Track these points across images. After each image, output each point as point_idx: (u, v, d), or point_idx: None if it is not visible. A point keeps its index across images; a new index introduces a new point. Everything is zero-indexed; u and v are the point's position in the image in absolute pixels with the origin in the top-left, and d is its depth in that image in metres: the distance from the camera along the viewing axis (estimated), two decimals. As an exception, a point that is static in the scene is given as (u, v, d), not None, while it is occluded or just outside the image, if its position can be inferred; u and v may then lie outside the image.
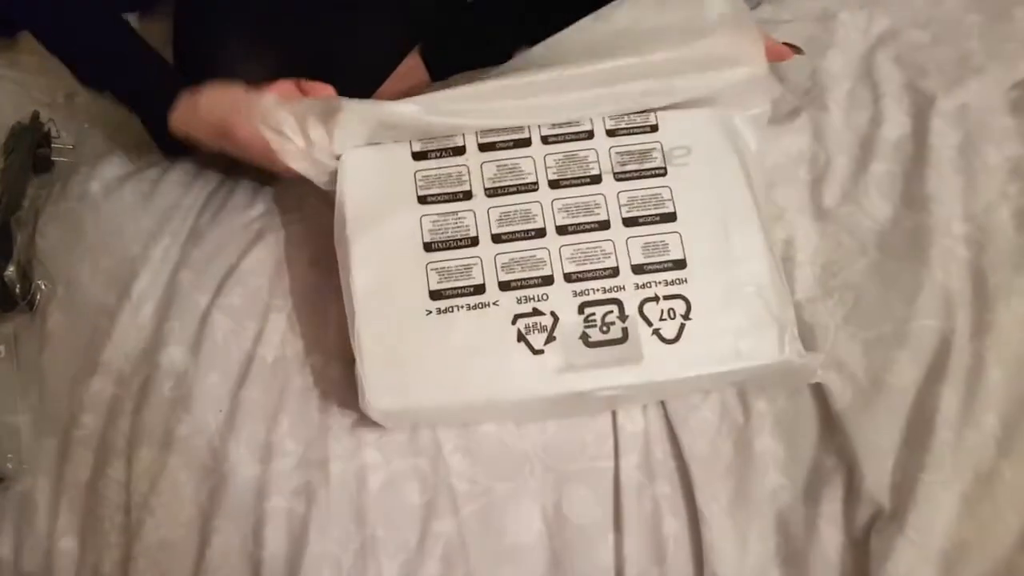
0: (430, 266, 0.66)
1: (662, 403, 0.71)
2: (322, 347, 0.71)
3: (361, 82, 0.74)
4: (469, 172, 0.68)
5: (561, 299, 0.65)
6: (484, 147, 0.69)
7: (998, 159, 0.77)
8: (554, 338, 0.64)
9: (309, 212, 0.78)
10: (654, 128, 0.70)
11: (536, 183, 0.68)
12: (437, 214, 0.67)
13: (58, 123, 0.81)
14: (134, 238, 0.76)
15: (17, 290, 0.73)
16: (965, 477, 0.64)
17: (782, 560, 0.66)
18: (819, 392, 0.69)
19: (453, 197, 0.68)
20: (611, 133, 0.70)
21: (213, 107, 0.70)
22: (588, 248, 0.67)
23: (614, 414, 0.70)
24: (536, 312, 0.64)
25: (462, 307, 0.65)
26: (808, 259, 0.75)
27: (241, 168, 0.79)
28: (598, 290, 0.65)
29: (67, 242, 0.76)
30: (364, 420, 0.68)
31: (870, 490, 0.65)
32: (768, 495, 0.67)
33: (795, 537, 0.66)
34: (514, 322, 0.64)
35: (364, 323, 0.65)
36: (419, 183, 0.68)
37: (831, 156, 0.79)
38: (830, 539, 0.65)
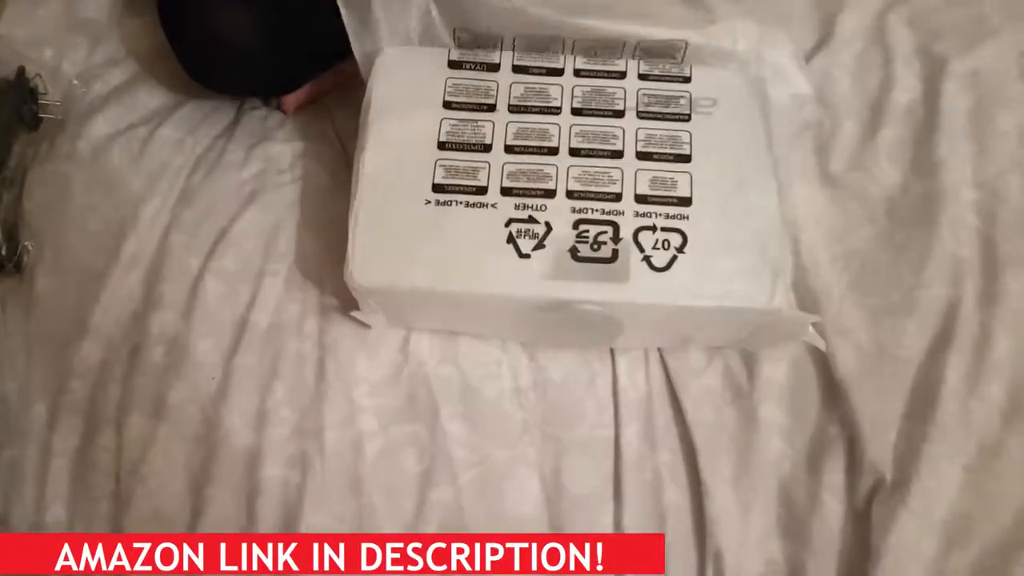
0: (439, 162, 0.67)
1: (664, 368, 0.70)
2: (317, 311, 0.70)
3: (341, 42, 0.72)
4: (498, 88, 0.70)
5: (558, 212, 0.66)
6: (518, 69, 0.71)
7: (1010, 125, 0.76)
8: (543, 246, 0.64)
9: (303, 172, 0.77)
10: (687, 79, 0.71)
11: (559, 108, 0.70)
12: (458, 119, 0.69)
13: (45, 79, 0.79)
14: (123, 199, 0.74)
15: (3, 252, 0.72)
16: (969, 449, 0.64)
17: (783, 531, 0.66)
18: (822, 359, 0.69)
19: (477, 108, 0.70)
20: (643, 77, 0.71)
21: None
22: (597, 172, 0.67)
23: (615, 380, 0.69)
24: (531, 220, 0.65)
25: (461, 203, 0.66)
26: (814, 225, 0.73)
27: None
28: (597, 211, 0.66)
29: (55, 203, 0.74)
30: (360, 386, 0.67)
31: (872, 460, 0.64)
32: (771, 464, 0.67)
33: (797, 507, 0.66)
34: (507, 225, 0.65)
35: (364, 200, 0.66)
36: (448, 89, 0.70)
37: (840, 121, 0.77)
38: (832, 509, 0.65)
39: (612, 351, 0.70)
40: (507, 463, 0.66)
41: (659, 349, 0.71)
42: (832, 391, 0.68)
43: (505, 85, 0.70)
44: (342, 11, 0.70)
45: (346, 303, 0.68)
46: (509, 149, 0.68)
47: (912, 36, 0.81)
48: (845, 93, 0.79)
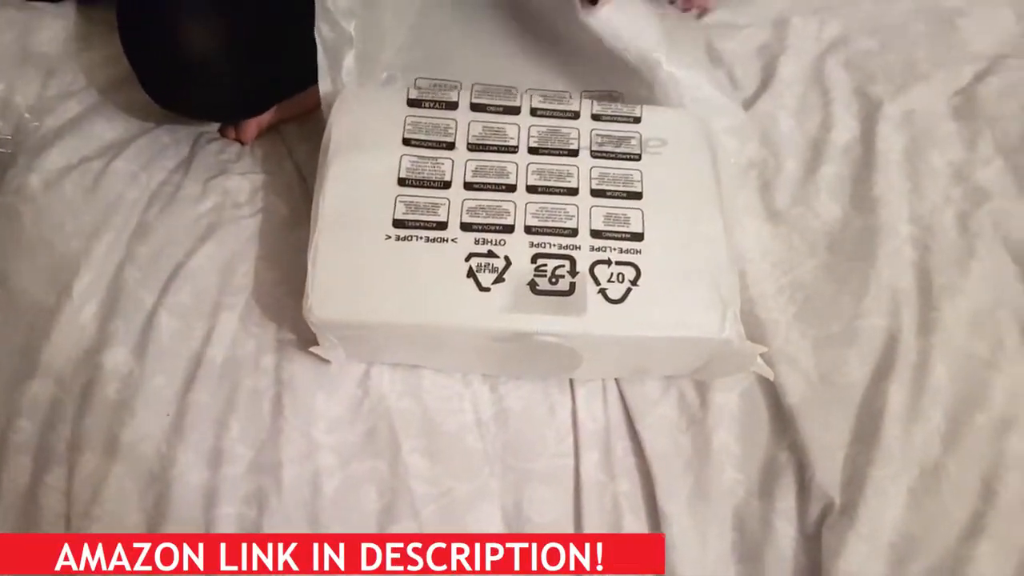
0: (399, 198, 0.68)
1: (622, 398, 0.71)
2: (274, 346, 0.69)
3: (304, 70, 0.73)
4: (456, 127, 0.72)
5: (517, 247, 0.67)
6: (476, 107, 0.74)
7: (942, 163, 0.80)
8: (503, 280, 0.66)
9: (262, 206, 0.76)
10: (637, 120, 0.74)
11: (517, 147, 0.72)
12: (417, 156, 0.71)
13: (-5, 113, 0.78)
14: (75, 233, 0.72)
15: (-52, 288, 0.70)
16: (912, 472, 0.66)
17: (739, 557, 0.67)
18: (771, 388, 0.71)
19: (437, 145, 0.71)
20: (596, 118, 0.74)
21: None
22: (553, 208, 0.69)
23: (574, 410, 0.70)
24: (491, 254, 0.66)
25: (421, 238, 0.67)
26: (759, 258, 0.76)
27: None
28: (554, 245, 0.67)
29: (4, 238, 0.72)
30: (319, 422, 0.67)
31: (821, 485, 0.66)
32: (726, 491, 0.68)
33: (751, 533, 0.67)
34: (468, 259, 0.66)
35: (323, 234, 0.66)
36: (407, 127, 0.72)
37: (783, 159, 0.81)
38: (784, 534, 0.67)
39: (571, 382, 0.72)
40: (469, 496, 0.67)
41: (616, 379, 0.72)
42: (781, 419, 0.70)
43: (464, 123, 0.72)
44: (319, 51, 0.72)
45: (304, 338, 0.68)
46: (468, 186, 0.69)
47: (849, 79, 0.86)
48: (787, 133, 0.82)
